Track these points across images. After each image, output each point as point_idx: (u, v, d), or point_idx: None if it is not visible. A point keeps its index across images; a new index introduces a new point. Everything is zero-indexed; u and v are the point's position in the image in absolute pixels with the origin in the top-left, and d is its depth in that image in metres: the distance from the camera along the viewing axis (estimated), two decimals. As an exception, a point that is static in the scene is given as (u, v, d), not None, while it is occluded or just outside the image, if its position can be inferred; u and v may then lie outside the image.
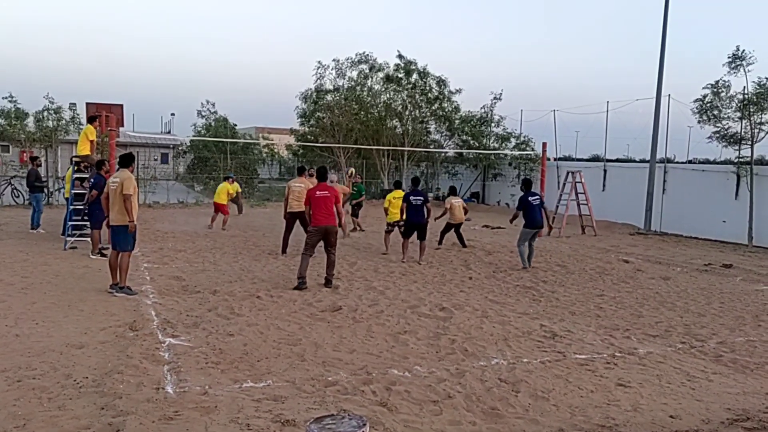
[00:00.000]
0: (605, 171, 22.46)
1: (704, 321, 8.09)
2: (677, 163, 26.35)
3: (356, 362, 5.84)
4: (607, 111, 23.07)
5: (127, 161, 8.72)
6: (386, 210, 13.51)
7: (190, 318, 7.17)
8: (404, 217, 12.25)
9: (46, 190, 13.99)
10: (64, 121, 23.55)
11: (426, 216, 12.08)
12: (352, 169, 18.44)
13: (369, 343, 6.49)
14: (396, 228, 13.18)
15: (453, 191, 14.79)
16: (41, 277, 9.24)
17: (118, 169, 8.89)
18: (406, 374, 5.57)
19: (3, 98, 23.13)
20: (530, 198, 11.85)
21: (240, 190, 18.19)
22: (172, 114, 63.93)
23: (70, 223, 12.24)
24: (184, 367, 5.48)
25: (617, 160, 37.05)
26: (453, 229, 14.13)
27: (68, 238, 12.14)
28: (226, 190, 16.97)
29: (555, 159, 26.37)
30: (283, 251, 12.20)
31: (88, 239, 11.73)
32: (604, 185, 22.34)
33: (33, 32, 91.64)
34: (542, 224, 12.13)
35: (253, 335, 6.58)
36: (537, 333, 7.14)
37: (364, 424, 3.43)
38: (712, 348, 6.82)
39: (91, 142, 12.32)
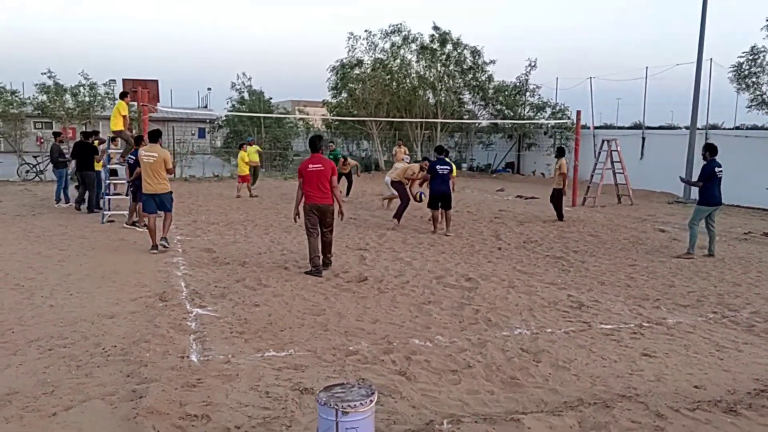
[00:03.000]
0: (643, 139, 21.83)
1: (739, 290, 7.85)
2: (719, 129, 25.39)
3: (378, 332, 5.88)
4: (646, 77, 22.37)
5: (155, 136, 9.62)
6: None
7: (218, 289, 7.31)
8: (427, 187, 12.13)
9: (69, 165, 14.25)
10: (99, 97, 24.01)
11: (449, 185, 11.94)
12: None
13: (392, 313, 6.51)
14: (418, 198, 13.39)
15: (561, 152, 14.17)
16: (78, 249, 9.53)
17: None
18: (428, 344, 5.58)
19: (42, 74, 23.60)
20: (716, 168, 9.94)
21: (255, 153, 18.25)
22: (209, 89, 64.50)
23: (107, 197, 12.56)
24: (210, 337, 5.60)
25: (660, 128, 35.93)
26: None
27: (105, 212, 12.46)
28: (242, 158, 17.46)
29: (594, 127, 25.77)
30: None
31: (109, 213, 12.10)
32: (642, 153, 21.74)
33: (70, 9, 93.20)
34: (721, 201, 10.23)
35: (278, 305, 6.67)
36: (563, 303, 7.05)
37: (372, 392, 3.46)
38: (744, 318, 6.63)
39: (124, 117, 12.53)
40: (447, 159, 12.47)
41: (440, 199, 11.78)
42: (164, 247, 9.57)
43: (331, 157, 15.61)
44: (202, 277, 7.88)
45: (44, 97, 23.75)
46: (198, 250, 9.67)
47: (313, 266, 8.20)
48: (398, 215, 12.69)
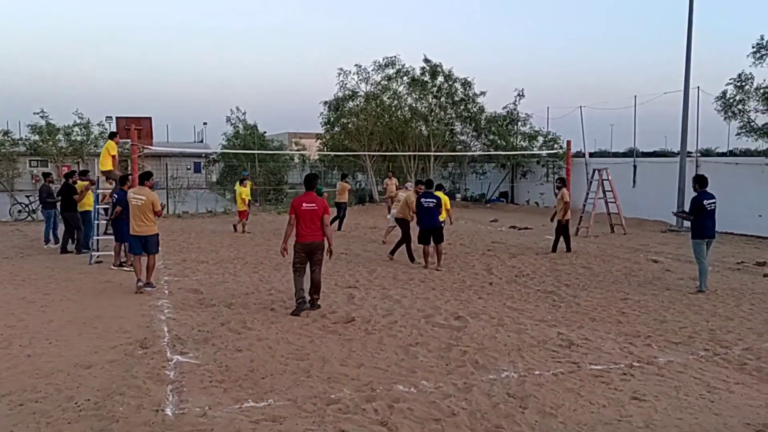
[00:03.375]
0: (635, 167, 21.88)
1: (731, 325, 7.74)
2: (709, 156, 25.52)
3: (362, 377, 5.74)
4: (635, 106, 22.55)
5: (144, 178, 9.83)
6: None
7: (202, 333, 7.17)
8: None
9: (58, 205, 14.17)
10: (93, 135, 24.08)
11: (438, 218, 11.79)
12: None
13: (378, 357, 6.38)
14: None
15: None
16: (62, 293, 9.39)
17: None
18: (412, 390, 5.43)
19: (35, 114, 23.73)
20: (706, 201, 9.72)
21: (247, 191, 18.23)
22: (205, 123, 64.73)
23: (93, 238, 12.46)
24: (188, 387, 5.46)
25: (654, 153, 36.15)
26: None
27: (93, 253, 12.35)
28: (239, 194, 17.54)
29: (589, 154, 25.84)
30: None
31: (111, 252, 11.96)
32: (634, 181, 21.77)
33: (64, 48, 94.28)
34: (714, 234, 10.05)
35: (261, 350, 6.53)
36: (553, 342, 6.93)
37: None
38: (736, 355, 6.50)
39: (113, 157, 12.51)
40: (435, 193, 12.41)
41: (429, 233, 11.66)
42: (149, 289, 9.51)
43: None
44: (186, 321, 7.74)
45: (37, 137, 23.81)
46: (185, 291, 9.54)
47: (296, 303, 8.18)
48: (394, 251, 12.69)
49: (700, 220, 9.75)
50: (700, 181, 10.00)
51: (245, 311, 8.23)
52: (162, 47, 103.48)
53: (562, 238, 13.77)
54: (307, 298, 8.28)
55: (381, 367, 6.06)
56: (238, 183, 18.38)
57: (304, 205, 8.15)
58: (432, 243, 11.71)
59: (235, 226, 17.65)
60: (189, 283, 10.18)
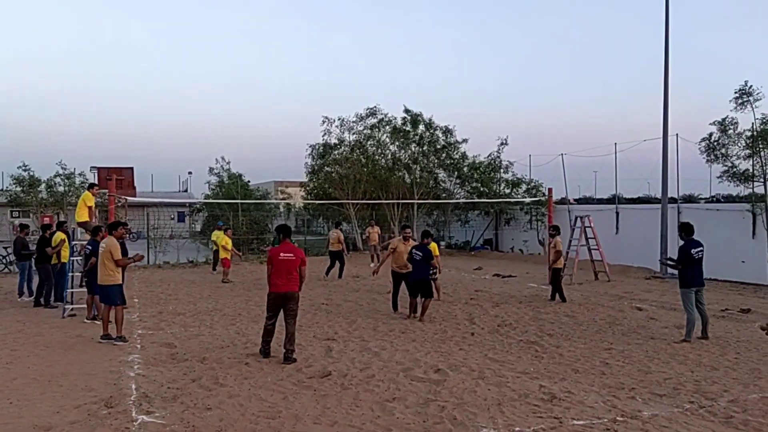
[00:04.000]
0: (617, 213, 22.01)
1: (716, 375, 7.58)
2: (692, 201, 25.78)
3: (335, 437, 5.49)
4: (616, 153, 22.83)
5: (112, 228, 9.77)
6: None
7: (171, 390, 6.89)
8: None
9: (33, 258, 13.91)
10: (75, 186, 23.96)
11: (428, 271, 11.58)
12: None
13: (353, 414, 6.13)
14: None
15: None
16: (30, 349, 9.06)
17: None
18: (386, 450, 5.20)
19: (18, 168, 23.77)
20: (693, 249, 9.55)
21: (221, 241, 18.17)
22: (190, 172, 64.78)
23: (67, 290, 12.16)
24: (151, 450, 5.18)
25: (638, 200, 36.47)
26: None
27: (66, 306, 12.03)
28: (221, 242, 17.78)
29: (574, 200, 25.99)
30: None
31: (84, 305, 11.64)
32: (617, 228, 21.87)
33: (46, 100, 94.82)
34: (703, 282, 9.78)
35: (232, 408, 6.26)
36: (535, 395, 6.72)
37: None
38: (722, 408, 6.33)
39: (89, 208, 12.33)
40: (426, 243, 12.39)
41: (418, 285, 11.38)
42: (121, 341, 9.37)
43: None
44: (156, 377, 7.45)
45: (18, 189, 23.68)
46: (158, 345, 9.24)
47: (263, 348, 8.40)
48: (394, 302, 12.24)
49: (688, 269, 9.57)
50: (686, 229, 9.88)
51: (219, 366, 7.95)
52: (147, 97, 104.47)
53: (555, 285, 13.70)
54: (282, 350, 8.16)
55: (355, 425, 5.82)
56: (222, 232, 18.31)
57: (282, 255, 8.16)
58: (420, 297, 11.43)
59: (224, 280, 17.46)
60: (163, 337, 9.89)
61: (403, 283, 12.06)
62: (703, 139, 17.49)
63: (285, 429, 5.67)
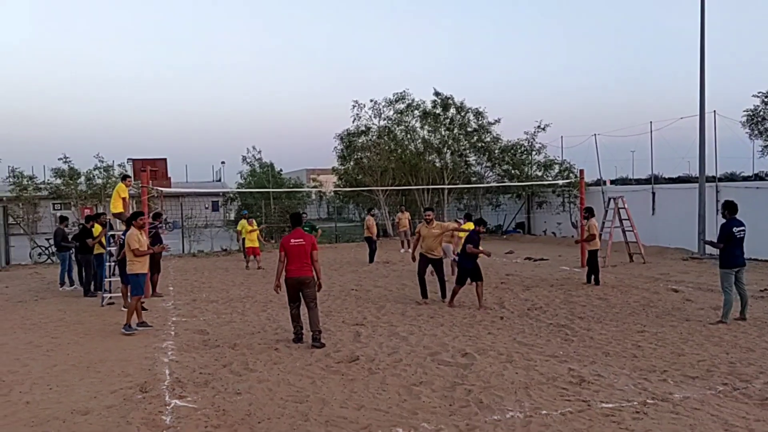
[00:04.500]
0: (653, 194, 21.52)
1: (752, 357, 7.40)
2: (732, 180, 25.03)
3: (361, 420, 5.55)
4: (651, 132, 22.26)
5: (131, 219, 10.01)
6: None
7: (203, 376, 7.05)
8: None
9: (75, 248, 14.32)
10: (113, 179, 24.49)
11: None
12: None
13: (379, 398, 6.18)
14: None
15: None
16: (70, 337, 9.36)
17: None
18: (412, 433, 5.23)
19: (59, 159, 24.42)
20: (735, 228, 9.34)
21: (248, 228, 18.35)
22: (223, 162, 65.73)
23: (105, 279, 12.50)
24: (182, 433, 5.32)
25: (674, 179, 35.58)
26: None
27: (105, 295, 12.37)
28: (247, 231, 18.03)
29: (610, 182, 25.51)
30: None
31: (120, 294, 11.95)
32: (653, 209, 21.39)
33: (87, 94, 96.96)
34: (744, 262, 9.55)
35: (261, 393, 6.38)
36: (563, 379, 6.66)
37: None
38: (757, 390, 6.18)
39: (123, 199, 12.60)
40: (465, 224, 12.99)
41: (466, 273, 11.04)
42: (145, 326, 9.76)
43: (306, 228, 15.66)
44: (188, 363, 7.63)
45: (59, 181, 24.32)
46: (191, 332, 9.45)
47: (294, 334, 8.59)
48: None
49: (729, 248, 9.34)
50: (729, 208, 9.62)
51: (249, 352, 8.09)
52: (182, 89, 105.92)
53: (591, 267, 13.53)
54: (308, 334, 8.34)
55: (382, 408, 5.86)
56: (245, 221, 18.53)
57: (292, 241, 8.49)
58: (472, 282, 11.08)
59: (258, 266, 17.84)
60: (196, 324, 10.10)
61: (431, 269, 11.93)
62: (746, 112, 16.88)
63: (312, 413, 5.75)
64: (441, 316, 10.27)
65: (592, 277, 13.40)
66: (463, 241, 13.10)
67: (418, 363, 7.40)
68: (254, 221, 18.71)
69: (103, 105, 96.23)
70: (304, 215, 18.30)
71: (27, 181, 24.35)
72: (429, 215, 12.13)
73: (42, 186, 24.88)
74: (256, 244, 18.06)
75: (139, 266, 9.66)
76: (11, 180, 23.93)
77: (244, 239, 18.46)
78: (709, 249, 17.97)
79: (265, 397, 6.24)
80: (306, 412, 5.76)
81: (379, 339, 8.69)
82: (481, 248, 11.05)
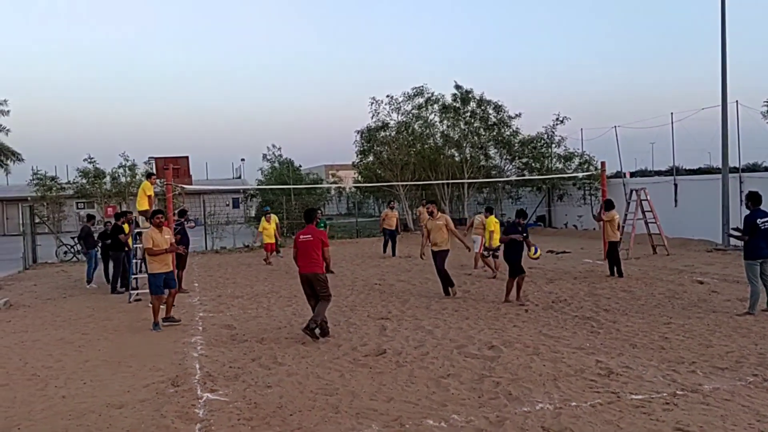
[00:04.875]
0: (675, 185, 21.29)
1: (783, 348, 7.33)
2: (755, 171, 24.66)
3: (391, 412, 5.60)
4: (672, 123, 21.99)
5: (150, 218, 10.14)
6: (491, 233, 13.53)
7: (233, 370, 7.16)
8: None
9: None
10: (137, 177, 24.83)
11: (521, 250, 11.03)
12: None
13: (408, 390, 6.24)
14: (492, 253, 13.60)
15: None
16: (100, 333, 9.55)
17: None
18: (442, 424, 5.28)
19: (84, 160, 24.88)
20: (760, 219, 9.20)
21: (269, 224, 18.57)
22: (242, 159, 66.19)
23: (133, 276, 12.70)
24: (216, 425, 5.42)
25: (696, 171, 35.15)
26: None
27: (132, 291, 12.57)
28: (264, 229, 18.30)
29: (630, 174, 25.28)
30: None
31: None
32: (676, 200, 21.16)
33: (110, 93, 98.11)
34: None
35: (291, 386, 6.47)
36: (591, 371, 6.66)
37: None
38: (789, 381, 6.13)
39: (149, 197, 12.79)
40: (487, 218, 13.29)
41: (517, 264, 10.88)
42: (172, 323, 9.81)
43: (321, 225, 15.71)
44: (218, 357, 7.75)
45: (84, 181, 24.73)
46: (218, 327, 9.59)
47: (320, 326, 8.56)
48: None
49: (753, 239, 9.22)
50: (753, 199, 9.51)
51: (276, 346, 8.20)
52: (201, 88, 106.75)
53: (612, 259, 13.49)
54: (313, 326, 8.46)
55: (411, 400, 5.91)
56: (263, 219, 18.73)
57: (302, 237, 8.64)
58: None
59: (266, 260, 18.06)
60: (223, 319, 10.24)
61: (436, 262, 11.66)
62: (766, 102, 16.65)
63: (343, 405, 5.82)
64: (466, 310, 10.29)
65: (615, 268, 13.32)
66: (494, 235, 13.20)
67: (445, 356, 7.44)
68: (272, 217, 18.82)
69: (127, 104, 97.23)
70: (319, 212, 18.21)
71: (50, 181, 24.82)
72: (431, 207, 11.98)
73: (67, 186, 25.31)
74: (273, 240, 18.25)
75: (157, 266, 9.58)
76: (36, 182, 24.40)
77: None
78: (733, 240, 17.75)
79: (295, 390, 6.32)
80: (336, 405, 5.84)
81: (405, 332, 8.74)
82: (521, 238, 10.91)
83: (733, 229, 10.19)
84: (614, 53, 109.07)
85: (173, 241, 10.17)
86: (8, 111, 33.68)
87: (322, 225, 16.27)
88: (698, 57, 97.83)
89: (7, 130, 34.57)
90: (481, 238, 14.19)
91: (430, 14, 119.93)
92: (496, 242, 13.45)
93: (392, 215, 19.43)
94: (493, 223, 13.64)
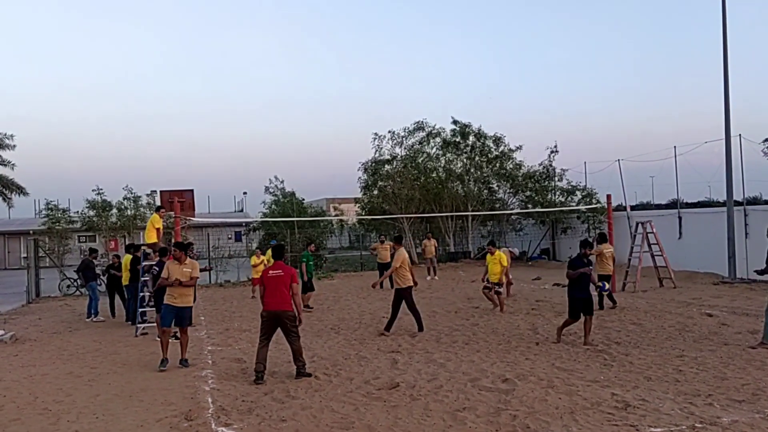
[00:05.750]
0: (680, 218, 21.37)
1: (799, 381, 7.28)
2: (757, 204, 24.78)
3: (409, 446, 5.56)
4: (675, 156, 22.18)
5: (161, 255, 10.35)
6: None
7: (246, 403, 7.11)
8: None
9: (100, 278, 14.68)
10: (141, 210, 24.98)
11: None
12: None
13: (425, 424, 6.19)
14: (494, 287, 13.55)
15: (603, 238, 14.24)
16: (109, 366, 9.49)
17: None
18: (462, 458, 5.23)
19: (92, 191, 25.13)
20: None
21: (263, 259, 18.46)
22: (245, 193, 66.46)
23: (140, 309, 12.67)
24: (233, 459, 5.37)
25: (699, 204, 35.28)
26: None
27: (139, 325, 12.52)
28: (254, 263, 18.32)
29: (630, 207, 25.40)
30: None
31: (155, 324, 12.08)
32: (680, 233, 21.22)
33: (115, 127, 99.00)
34: None
35: (305, 420, 6.42)
36: (607, 403, 6.62)
37: None
38: (808, 413, 6.09)
39: (157, 230, 12.85)
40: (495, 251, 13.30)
41: (585, 303, 9.95)
42: (184, 366, 9.25)
43: (303, 259, 15.66)
44: (230, 391, 7.70)
45: (92, 213, 24.86)
46: (228, 361, 9.53)
47: (255, 373, 8.16)
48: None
49: None
50: None
51: (288, 380, 8.15)
52: (202, 122, 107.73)
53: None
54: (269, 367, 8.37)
55: (428, 434, 5.87)
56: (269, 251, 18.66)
57: (270, 272, 8.38)
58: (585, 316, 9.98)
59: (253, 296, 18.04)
60: (232, 353, 10.19)
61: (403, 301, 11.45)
62: (765, 141, 16.88)
63: (359, 439, 5.77)
64: (476, 342, 10.25)
65: (602, 301, 13.27)
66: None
67: (459, 389, 7.39)
68: (259, 253, 18.96)
69: (126, 138, 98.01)
70: (312, 246, 17.85)
71: (60, 214, 24.99)
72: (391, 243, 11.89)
73: (75, 218, 25.43)
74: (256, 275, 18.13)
75: (170, 297, 9.29)
76: (46, 213, 24.55)
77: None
78: (740, 273, 17.74)
79: (310, 424, 6.27)
80: (353, 439, 5.79)
81: (417, 366, 8.70)
82: (589, 271, 9.82)
83: (756, 271, 10.27)
84: (616, 86, 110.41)
85: (195, 276, 9.65)
86: (14, 146, 34.03)
87: (307, 259, 15.92)
88: (701, 90, 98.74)
89: (13, 164, 34.97)
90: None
91: (428, 48, 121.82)
92: (495, 277, 13.46)
93: (382, 248, 19.48)
94: (499, 258, 13.60)
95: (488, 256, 13.93)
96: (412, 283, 11.41)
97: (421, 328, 11.35)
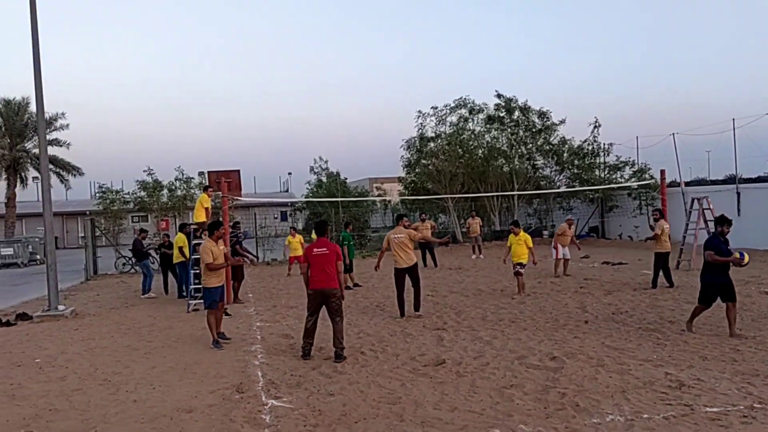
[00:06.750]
0: (738, 194, 20.54)
1: None
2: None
3: (457, 422, 5.56)
4: (734, 129, 21.30)
5: (211, 230, 9.69)
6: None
7: (294, 377, 7.24)
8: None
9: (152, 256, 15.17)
10: (191, 191, 25.52)
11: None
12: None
13: (472, 400, 6.17)
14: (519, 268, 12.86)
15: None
16: (163, 341, 9.80)
17: None
18: (510, 435, 5.20)
19: (143, 171, 25.79)
20: None
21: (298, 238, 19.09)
22: (290, 173, 67.41)
23: (192, 286, 13.00)
24: (284, 431, 5.48)
25: (757, 179, 33.88)
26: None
27: (191, 302, 12.87)
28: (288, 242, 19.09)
29: (685, 183, 24.63)
30: (401, 314, 10.96)
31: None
32: (738, 209, 20.42)
33: (167, 112, 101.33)
34: None
35: (353, 394, 6.49)
36: (661, 383, 6.46)
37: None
38: None
39: (206, 209, 13.12)
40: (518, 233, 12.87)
41: (725, 288, 8.83)
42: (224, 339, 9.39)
43: (344, 241, 15.43)
44: (278, 366, 7.84)
45: (143, 193, 25.53)
46: (276, 336, 9.71)
47: (302, 349, 8.26)
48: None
49: None
50: None
51: (335, 355, 8.24)
52: (250, 105, 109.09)
53: (661, 272, 13.05)
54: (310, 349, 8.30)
55: (475, 410, 5.85)
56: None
57: (315, 250, 8.20)
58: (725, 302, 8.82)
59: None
60: (280, 328, 10.37)
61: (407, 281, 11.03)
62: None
63: (407, 414, 5.80)
64: (523, 321, 10.15)
65: (656, 280, 13.00)
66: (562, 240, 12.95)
67: (506, 366, 7.34)
68: (294, 232, 19.66)
69: (184, 121, 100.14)
70: (350, 226, 17.78)
71: (114, 195, 25.78)
72: (405, 222, 11.59)
73: (128, 198, 26.14)
74: (299, 253, 18.26)
75: (214, 280, 9.15)
76: (100, 195, 25.35)
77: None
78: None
79: (357, 398, 6.34)
80: (400, 413, 5.82)
81: (463, 343, 8.67)
82: (734, 255, 8.77)
83: None
84: (670, 58, 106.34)
85: (227, 251, 9.85)
86: (67, 125, 35.13)
87: (348, 241, 15.71)
88: (761, 58, 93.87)
89: (68, 143, 36.16)
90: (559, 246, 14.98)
91: (470, 24, 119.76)
92: (522, 258, 12.88)
93: (423, 227, 19.24)
94: (525, 239, 13.02)
95: (511, 236, 13.24)
96: (406, 265, 10.93)
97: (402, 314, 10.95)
